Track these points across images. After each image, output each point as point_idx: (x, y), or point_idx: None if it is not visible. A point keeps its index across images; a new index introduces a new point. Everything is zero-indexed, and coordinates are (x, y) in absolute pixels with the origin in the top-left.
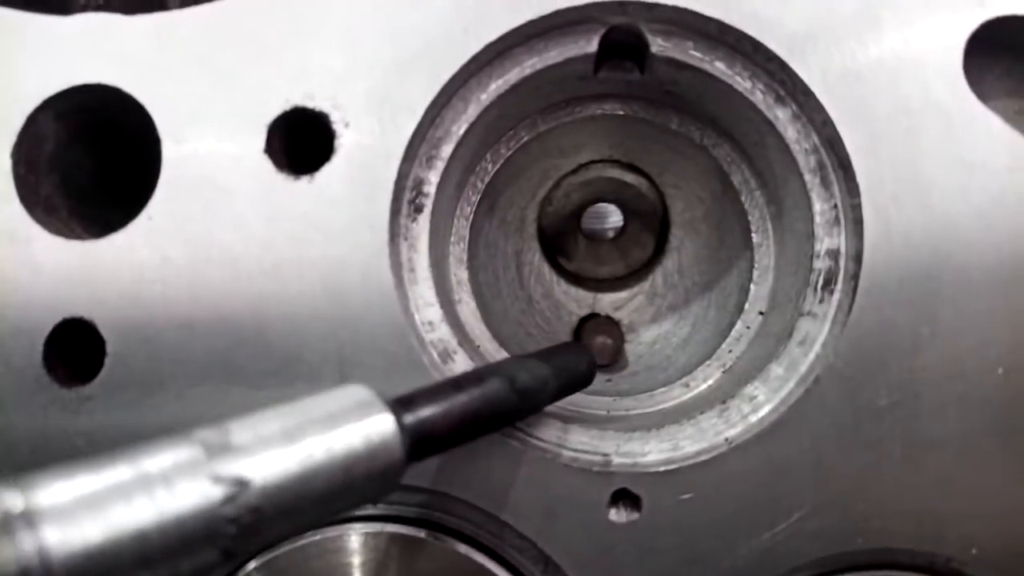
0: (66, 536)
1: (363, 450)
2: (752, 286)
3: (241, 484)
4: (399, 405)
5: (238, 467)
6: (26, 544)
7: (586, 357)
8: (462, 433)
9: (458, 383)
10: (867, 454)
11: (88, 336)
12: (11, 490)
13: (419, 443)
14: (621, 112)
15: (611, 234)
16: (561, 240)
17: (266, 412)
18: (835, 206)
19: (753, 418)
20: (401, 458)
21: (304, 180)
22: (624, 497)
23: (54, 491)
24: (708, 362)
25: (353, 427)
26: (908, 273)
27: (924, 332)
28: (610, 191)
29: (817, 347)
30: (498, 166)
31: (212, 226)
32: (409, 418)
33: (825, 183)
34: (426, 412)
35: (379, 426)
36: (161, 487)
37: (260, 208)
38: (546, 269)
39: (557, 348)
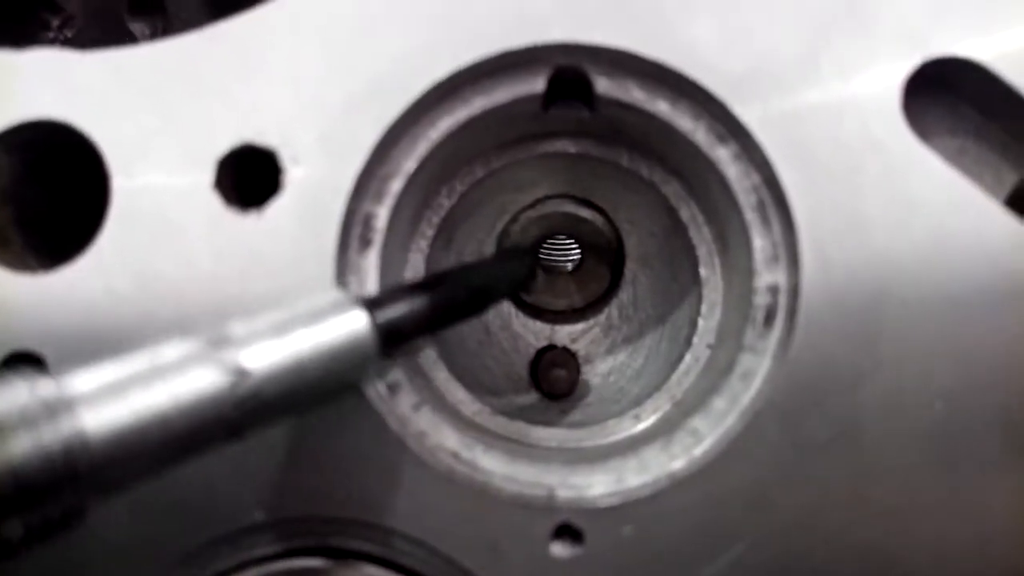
0: (99, 418)
1: (344, 342)
2: (701, 320)
3: (242, 373)
4: (371, 305)
5: (239, 358)
6: (66, 426)
7: (527, 260)
8: (423, 328)
9: (419, 287)
10: (809, 488)
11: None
12: (45, 379)
13: (389, 337)
14: (573, 150)
15: (568, 267)
16: None
17: (256, 313)
18: (774, 243)
19: (695, 451)
20: (374, 349)
21: (252, 215)
22: (567, 531)
23: (85, 380)
24: (658, 394)
25: (334, 322)
26: (847, 309)
27: (864, 367)
28: (566, 226)
29: (758, 381)
30: (454, 201)
31: (160, 260)
32: (380, 316)
33: (765, 220)
34: (393, 311)
35: (356, 323)
36: (176, 375)
37: (208, 243)
38: (504, 301)
39: (502, 254)
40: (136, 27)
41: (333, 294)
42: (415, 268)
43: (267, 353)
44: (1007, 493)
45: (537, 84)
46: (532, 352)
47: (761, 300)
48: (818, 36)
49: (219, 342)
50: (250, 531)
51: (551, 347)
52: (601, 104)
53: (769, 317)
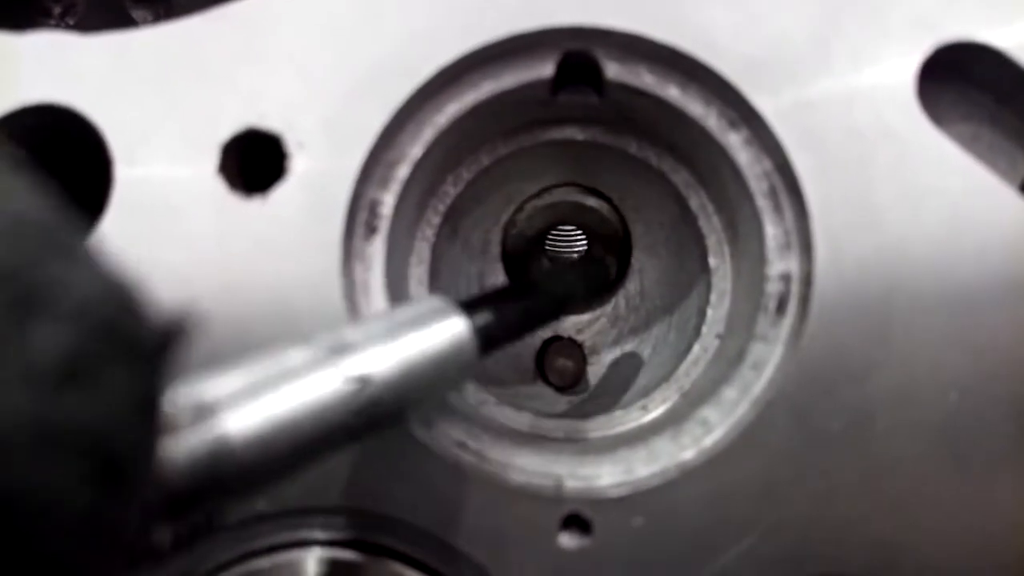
0: (242, 423)
1: (448, 347)
2: (710, 309)
3: (365, 380)
4: (468, 310)
5: (362, 366)
6: (211, 431)
7: (603, 266)
8: (512, 335)
9: (508, 293)
10: (820, 479)
11: None
12: (183, 386)
13: (485, 341)
14: (581, 137)
15: (575, 257)
16: (525, 262)
17: (366, 320)
18: (786, 230)
19: (705, 442)
20: (475, 353)
21: (256, 201)
22: (575, 522)
23: (221, 385)
24: (666, 385)
25: (438, 327)
26: (860, 297)
27: (876, 356)
28: (573, 215)
29: (769, 371)
30: (460, 189)
31: (163, 246)
32: (478, 320)
33: (777, 208)
34: (488, 317)
35: (458, 327)
36: (305, 382)
37: (212, 228)
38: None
39: (577, 263)
40: (138, 14)
41: (434, 299)
42: (420, 257)
43: (385, 360)
44: (1020, 485)
45: (545, 69)
46: (538, 343)
47: (773, 288)
48: (831, 20)
49: (339, 349)
50: (251, 522)
51: (557, 338)
52: (610, 89)
53: (781, 305)
